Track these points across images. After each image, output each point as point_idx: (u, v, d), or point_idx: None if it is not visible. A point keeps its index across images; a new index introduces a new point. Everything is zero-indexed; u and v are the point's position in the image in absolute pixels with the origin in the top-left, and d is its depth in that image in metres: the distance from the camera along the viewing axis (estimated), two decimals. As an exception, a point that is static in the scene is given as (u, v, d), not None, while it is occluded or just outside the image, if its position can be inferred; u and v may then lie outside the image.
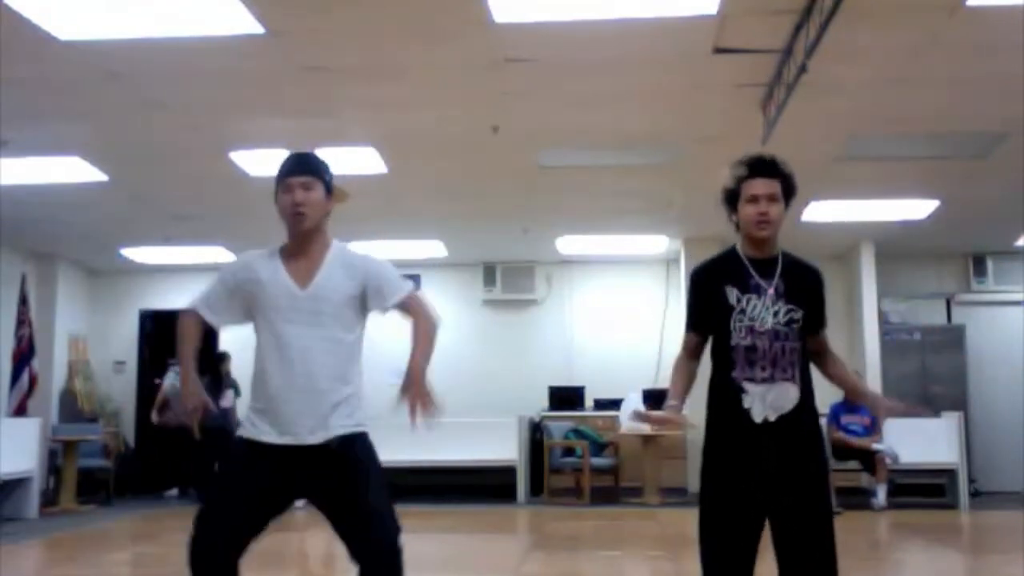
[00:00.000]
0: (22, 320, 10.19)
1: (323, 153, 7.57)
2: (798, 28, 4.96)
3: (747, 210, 2.95)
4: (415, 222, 9.60)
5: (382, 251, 12.69)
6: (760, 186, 2.94)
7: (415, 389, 2.74)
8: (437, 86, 5.92)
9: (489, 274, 11.56)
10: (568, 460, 10.00)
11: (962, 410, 9.67)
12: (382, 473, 2.83)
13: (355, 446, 2.79)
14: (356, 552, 2.73)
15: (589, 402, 10.87)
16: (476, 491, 10.02)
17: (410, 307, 2.93)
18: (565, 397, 10.82)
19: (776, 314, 2.90)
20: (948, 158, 7.42)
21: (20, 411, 9.91)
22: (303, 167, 2.91)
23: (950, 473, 9.32)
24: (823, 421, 9.36)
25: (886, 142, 7.08)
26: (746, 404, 2.88)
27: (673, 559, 6.47)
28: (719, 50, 5.31)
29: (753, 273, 2.95)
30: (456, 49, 5.36)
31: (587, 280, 11.61)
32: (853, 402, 9.35)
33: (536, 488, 10.10)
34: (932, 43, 5.21)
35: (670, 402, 3.03)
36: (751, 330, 2.89)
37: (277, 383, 2.77)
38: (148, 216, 9.23)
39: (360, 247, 3.03)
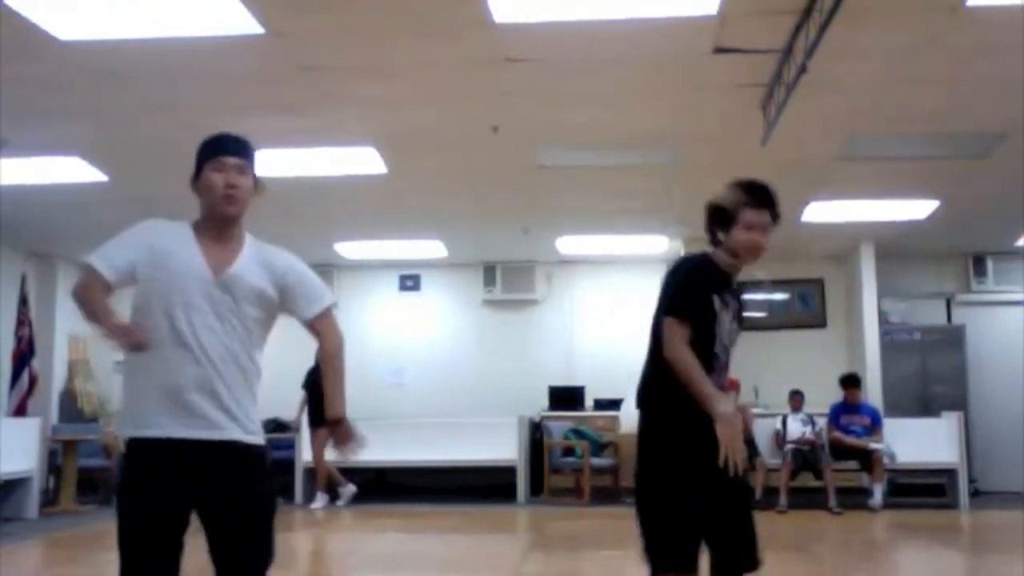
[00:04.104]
0: (22, 320, 10.19)
1: (323, 153, 7.54)
2: (798, 28, 4.96)
3: (744, 236, 2.97)
4: (415, 222, 9.59)
5: (382, 251, 12.57)
6: (763, 217, 2.99)
7: (343, 432, 2.66)
8: (437, 86, 5.92)
9: (489, 274, 11.55)
10: (568, 460, 10.00)
11: (962, 410, 9.65)
12: (272, 496, 2.68)
13: (254, 458, 2.56)
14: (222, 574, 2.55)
15: (589, 402, 10.86)
16: (476, 491, 10.02)
17: (323, 323, 2.67)
18: (565, 397, 10.82)
19: (731, 332, 3.04)
20: (948, 158, 7.42)
21: (20, 411, 9.90)
22: (239, 149, 2.68)
23: (950, 473, 9.31)
24: (823, 421, 9.38)
25: (886, 142, 7.08)
26: None
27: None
28: (719, 50, 5.31)
29: (726, 289, 3.06)
30: (456, 49, 5.36)
31: (587, 280, 11.60)
32: (852, 403, 9.38)
33: (536, 488, 10.09)
34: (932, 43, 5.21)
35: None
36: (720, 340, 3.01)
37: (174, 370, 2.46)
38: (148, 216, 9.17)
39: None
